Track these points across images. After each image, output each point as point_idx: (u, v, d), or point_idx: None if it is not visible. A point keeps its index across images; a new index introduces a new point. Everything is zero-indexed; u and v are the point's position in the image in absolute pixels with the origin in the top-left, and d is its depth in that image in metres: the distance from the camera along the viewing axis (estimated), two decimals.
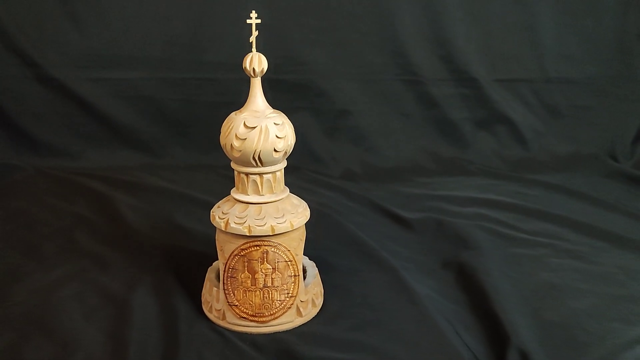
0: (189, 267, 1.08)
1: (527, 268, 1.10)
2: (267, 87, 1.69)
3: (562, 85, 1.77)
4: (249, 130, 0.87)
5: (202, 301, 0.97)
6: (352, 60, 1.71)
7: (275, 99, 1.70)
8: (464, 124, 1.75)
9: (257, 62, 0.88)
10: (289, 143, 0.90)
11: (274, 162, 0.89)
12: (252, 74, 0.89)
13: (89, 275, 1.07)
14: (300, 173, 1.63)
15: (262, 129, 0.86)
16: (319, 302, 0.97)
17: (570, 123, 1.78)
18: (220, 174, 1.60)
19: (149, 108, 1.69)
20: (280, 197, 0.91)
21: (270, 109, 0.90)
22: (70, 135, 1.68)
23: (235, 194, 0.92)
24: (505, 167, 1.69)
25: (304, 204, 0.96)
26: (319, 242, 1.19)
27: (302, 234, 0.94)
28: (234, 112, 0.91)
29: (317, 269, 1.01)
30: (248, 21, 0.89)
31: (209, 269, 1.00)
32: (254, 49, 0.89)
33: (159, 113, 1.70)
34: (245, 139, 0.86)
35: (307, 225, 0.96)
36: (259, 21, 0.89)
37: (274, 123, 0.88)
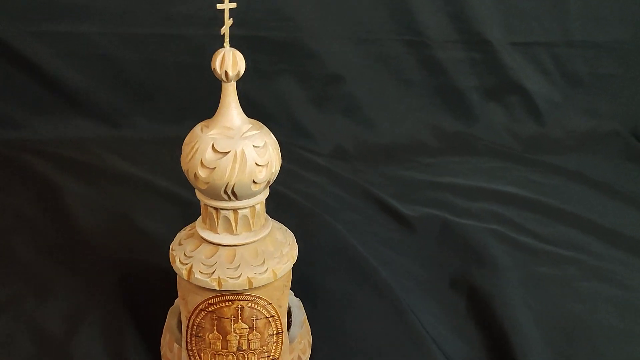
0: (149, 292, 0.90)
1: (553, 296, 0.97)
2: (245, 46, 1.46)
3: (586, 50, 1.58)
4: (220, 156, 0.65)
5: (161, 353, 0.78)
6: (346, 17, 1.49)
7: (255, 61, 1.48)
8: (471, 94, 1.58)
9: (230, 62, 0.65)
10: (273, 171, 0.69)
11: (252, 195, 0.68)
12: (224, 78, 0.65)
13: (21, 307, 0.87)
14: (284, 150, 1.40)
15: (237, 155, 0.65)
16: (306, 356, 0.79)
17: (591, 94, 1.61)
18: None
19: (105, 69, 1.45)
20: (259, 237, 0.71)
21: (248, 124, 0.68)
22: (11, 101, 1.43)
23: (201, 229, 0.72)
24: (516, 144, 1.54)
25: (291, 237, 0.76)
26: (306, 253, 1.01)
27: (287, 279, 0.74)
28: (199, 125, 0.69)
29: (304, 310, 0.82)
30: (219, 6, 0.65)
31: (169, 310, 0.81)
32: (226, 44, 0.66)
33: (116, 75, 1.46)
34: (214, 167, 0.65)
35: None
36: (233, 5, 0.65)
37: (253, 146, 0.66)
